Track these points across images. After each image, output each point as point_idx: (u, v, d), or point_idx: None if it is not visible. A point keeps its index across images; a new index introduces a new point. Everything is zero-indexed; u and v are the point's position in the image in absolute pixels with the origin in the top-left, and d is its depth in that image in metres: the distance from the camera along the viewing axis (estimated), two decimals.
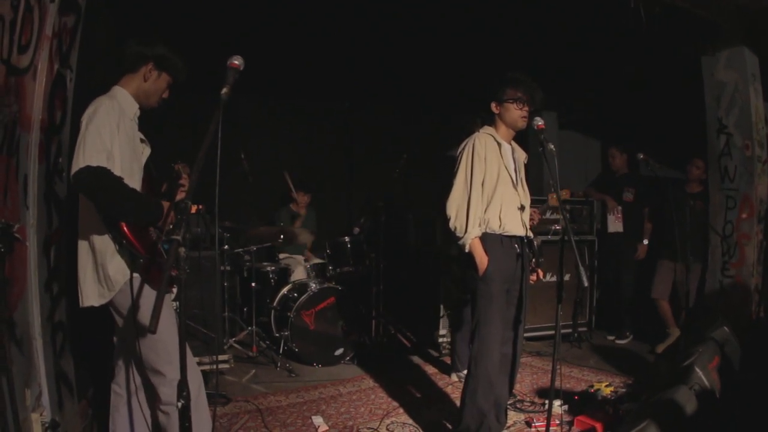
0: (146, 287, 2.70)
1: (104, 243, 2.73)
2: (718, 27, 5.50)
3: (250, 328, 5.99)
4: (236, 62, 2.36)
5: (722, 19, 5.45)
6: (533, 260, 3.82)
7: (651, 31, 5.02)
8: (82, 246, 2.81)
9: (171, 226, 2.82)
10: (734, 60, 5.65)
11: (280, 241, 6.23)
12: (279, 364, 5.60)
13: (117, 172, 2.63)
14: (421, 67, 7.21)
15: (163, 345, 2.73)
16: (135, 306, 2.69)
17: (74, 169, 2.53)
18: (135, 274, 2.72)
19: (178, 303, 2.89)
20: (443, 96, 8.16)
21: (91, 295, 2.78)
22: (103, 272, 2.73)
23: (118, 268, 2.73)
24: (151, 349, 2.75)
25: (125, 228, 2.63)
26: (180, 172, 3.03)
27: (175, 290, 3.03)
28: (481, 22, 5.91)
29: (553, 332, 6.43)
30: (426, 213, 6.64)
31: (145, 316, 2.68)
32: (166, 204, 2.85)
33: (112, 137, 2.64)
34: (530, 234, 3.78)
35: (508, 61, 4.67)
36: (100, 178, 2.54)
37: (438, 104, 8.55)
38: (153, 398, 2.90)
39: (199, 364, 4.40)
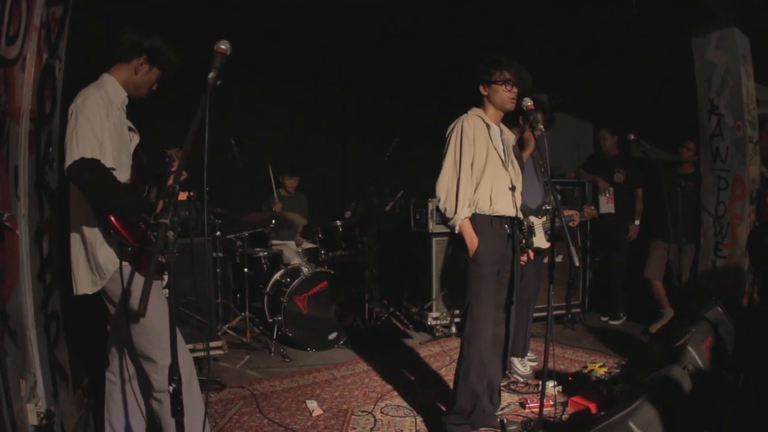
0: (136, 275, 2.70)
1: (93, 232, 2.74)
2: (708, 8, 5.49)
3: (243, 314, 5.99)
4: (223, 47, 2.33)
5: (713, 0, 5.44)
6: (523, 240, 3.82)
7: (642, 12, 5.01)
8: (74, 235, 2.82)
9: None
10: (725, 41, 5.65)
11: (272, 226, 6.22)
12: (273, 350, 5.62)
13: (108, 161, 2.63)
14: (414, 52, 7.18)
15: (154, 332, 2.74)
16: (125, 293, 2.69)
17: (68, 161, 2.53)
18: (124, 262, 2.72)
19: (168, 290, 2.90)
20: (436, 79, 8.12)
21: (84, 283, 2.79)
22: (94, 260, 2.74)
23: (107, 256, 2.74)
24: (142, 336, 2.76)
25: (112, 218, 2.63)
26: (173, 157, 3.02)
27: (166, 278, 3.02)
28: (474, 5, 5.88)
29: (546, 313, 6.46)
30: (418, 196, 6.63)
31: (135, 303, 2.68)
32: (160, 204, 2.84)
33: (102, 127, 2.64)
34: (520, 215, 3.78)
35: (500, 44, 4.65)
36: (94, 170, 2.54)
37: (431, 88, 8.50)
38: (147, 386, 2.91)
39: (193, 350, 4.43)
